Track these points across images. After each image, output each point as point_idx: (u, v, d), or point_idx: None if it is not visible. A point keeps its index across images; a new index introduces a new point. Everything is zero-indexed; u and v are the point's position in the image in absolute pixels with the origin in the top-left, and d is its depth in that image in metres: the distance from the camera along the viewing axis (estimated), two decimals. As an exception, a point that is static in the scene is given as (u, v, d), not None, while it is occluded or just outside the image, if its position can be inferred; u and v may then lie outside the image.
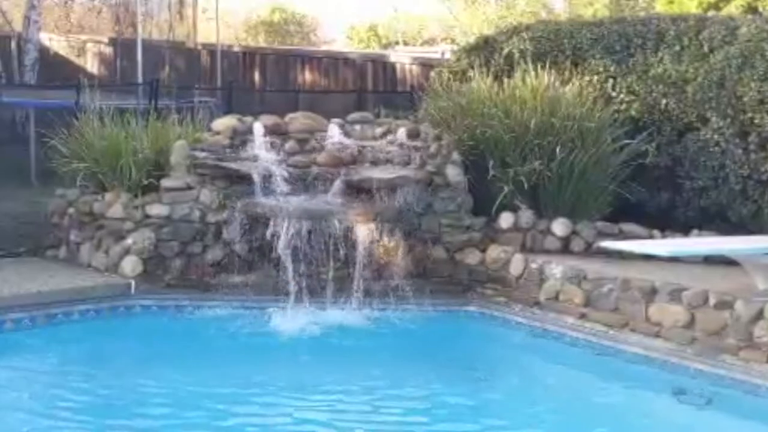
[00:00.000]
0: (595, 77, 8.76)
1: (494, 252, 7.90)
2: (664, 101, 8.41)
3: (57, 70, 15.89)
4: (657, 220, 8.11)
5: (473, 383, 6.50)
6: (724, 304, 6.48)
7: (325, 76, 14.52)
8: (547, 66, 8.58)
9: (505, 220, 8.05)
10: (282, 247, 7.62)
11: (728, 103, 7.88)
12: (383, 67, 13.71)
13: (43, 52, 15.73)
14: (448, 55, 11.85)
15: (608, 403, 6.25)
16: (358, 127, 8.72)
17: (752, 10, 13.52)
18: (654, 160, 8.38)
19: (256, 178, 7.95)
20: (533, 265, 7.65)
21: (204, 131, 8.52)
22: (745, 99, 7.76)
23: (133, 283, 7.70)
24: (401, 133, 8.55)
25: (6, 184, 8.83)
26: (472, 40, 10.78)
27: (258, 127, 8.45)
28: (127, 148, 8.16)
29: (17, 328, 7.07)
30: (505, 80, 8.62)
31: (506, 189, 8.06)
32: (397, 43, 22.98)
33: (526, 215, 8.05)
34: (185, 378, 6.38)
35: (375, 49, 21.52)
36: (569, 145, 8.08)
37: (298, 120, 8.66)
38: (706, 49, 8.25)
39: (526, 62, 8.77)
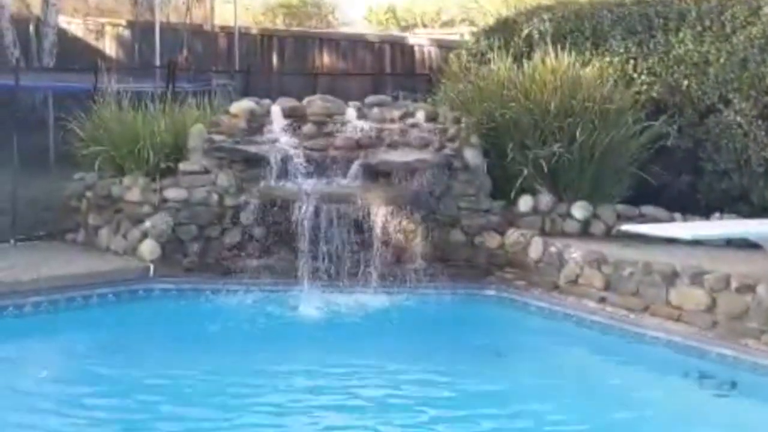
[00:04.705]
0: (616, 58, 8.67)
1: (513, 235, 7.85)
2: (685, 83, 8.31)
3: (75, 54, 15.87)
4: (678, 203, 8.05)
5: (493, 367, 6.48)
6: (746, 288, 6.42)
7: (343, 58, 14.44)
8: (567, 47, 8.50)
9: (524, 203, 8.01)
10: (300, 231, 7.60)
11: (751, 84, 7.78)
12: (401, 49, 13.61)
13: (62, 35, 15.71)
14: (467, 37, 11.76)
15: (629, 387, 6.21)
16: (376, 110, 8.67)
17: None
18: (675, 143, 8.30)
19: (273, 161, 7.94)
20: (552, 249, 7.60)
21: (221, 114, 8.50)
22: (768, 80, 7.67)
23: (151, 266, 7.71)
24: (419, 116, 8.51)
25: (24, 168, 8.83)
26: (491, 21, 10.68)
27: (275, 110, 8.44)
28: (145, 131, 8.16)
29: (37, 312, 7.10)
30: (525, 62, 8.55)
31: (525, 172, 8.01)
32: (415, 25, 22.86)
33: (546, 198, 7.99)
34: (204, 361, 6.39)
35: (393, 32, 21.41)
36: (589, 127, 8.01)
37: (315, 103, 8.62)
38: (728, 29, 8.14)
39: (545, 43, 8.69)
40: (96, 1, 19.67)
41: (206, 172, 8.03)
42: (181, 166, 8.08)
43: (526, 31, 9.33)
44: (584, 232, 7.92)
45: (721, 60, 8.05)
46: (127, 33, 17.23)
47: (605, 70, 8.39)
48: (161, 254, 7.80)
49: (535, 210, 7.99)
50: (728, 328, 6.46)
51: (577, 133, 7.97)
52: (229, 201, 7.95)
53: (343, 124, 8.43)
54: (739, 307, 6.44)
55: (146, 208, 7.93)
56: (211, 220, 7.93)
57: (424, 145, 8.25)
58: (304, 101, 8.68)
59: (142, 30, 15.90)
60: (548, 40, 8.80)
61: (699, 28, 8.35)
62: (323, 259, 7.65)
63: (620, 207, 8.00)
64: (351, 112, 8.54)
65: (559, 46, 8.50)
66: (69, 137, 8.68)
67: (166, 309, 7.46)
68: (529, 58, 8.63)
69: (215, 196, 7.95)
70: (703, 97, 8.22)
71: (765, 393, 6.01)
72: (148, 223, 7.87)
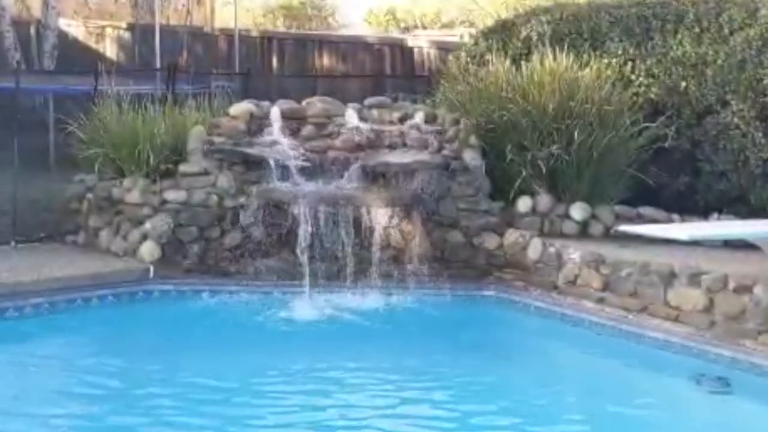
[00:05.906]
0: (614, 60, 8.69)
1: (512, 236, 7.88)
2: (683, 84, 8.33)
3: (76, 56, 15.92)
4: (676, 203, 8.07)
5: (492, 367, 6.50)
6: (744, 289, 6.44)
7: (343, 60, 14.45)
8: (566, 49, 8.51)
9: (523, 204, 8.03)
10: (299, 232, 7.63)
11: (749, 85, 7.81)
12: (401, 51, 13.62)
13: (62, 38, 15.76)
14: (466, 39, 11.78)
15: (627, 388, 6.23)
16: (375, 111, 8.70)
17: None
18: (673, 144, 8.31)
19: (272, 163, 7.96)
20: (551, 250, 7.63)
21: (221, 116, 8.52)
22: (765, 81, 7.68)
23: (151, 268, 7.74)
24: (419, 117, 8.53)
25: (25, 170, 8.86)
26: (490, 23, 10.70)
27: (275, 112, 8.46)
28: (145, 133, 8.18)
29: (37, 314, 7.12)
30: (523, 64, 8.57)
31: (524, 173, 8.03)
32: (415, 26, 22.88)
33: (544, 199, 8.02)
34: (203, 362, 6.41)
35: (393, 33, 21.44)
36: (588, 128, 8.03)
37: (315, 105, 8.65)
38: (726, 31, 8.17)
39: (544, 45, 8.71)
40: (96, 4, 19.71)
41: (206, 173, 8.06)
42: (181, 167, 8.10)
43: (524, 33, 9.34)
44: (583, 232, 7.94)
45: (719, 62, 8.07)
46: (127, 35, 17.26)
47: (603, 72, 8.40)
48: (161, 256, 7.83)
49: (533, 211, 8.01)
50: (726, 329, 6.48)
51: (576, 135, 7.99)
52: (228, 202, 7.98)
53: (343, 125, 8.46)
54: (737, 307, 6.46)
55: (146, 210, 7.96)
56: (211, 221, 7.95)
57: (423, 146, 8.28)
58: (304, 103, 8.70)
59: (142, 32, 15.94)
60: (546, 41, 8.82)
61: (697, 30, 8.37)
62: (323, 260, 7.68)
63: (618, 208, 8.02)
64: (350, 114, 8.56)
65: (557, 48, 8.52)
66: (69, 139, 8.71)
67: (166, 310, 7.48)
68: (528, 59, 8.65)
69: (215, 198, 7.97)
70: (701, 99, 8.24)
71: (762, 393, 6.03)
72: (148, 225, 7.89)
